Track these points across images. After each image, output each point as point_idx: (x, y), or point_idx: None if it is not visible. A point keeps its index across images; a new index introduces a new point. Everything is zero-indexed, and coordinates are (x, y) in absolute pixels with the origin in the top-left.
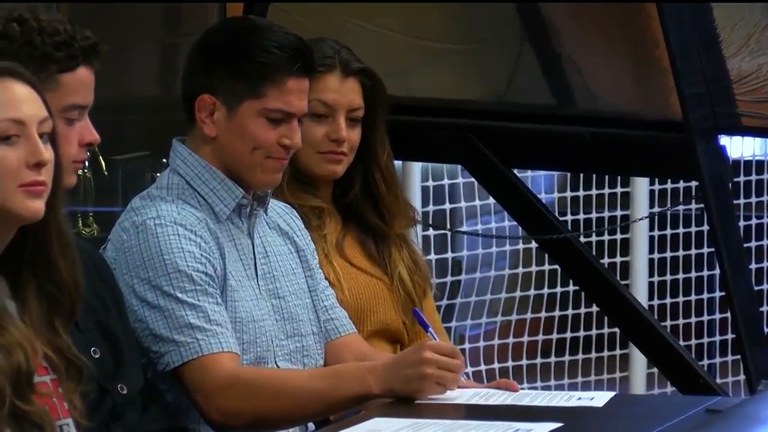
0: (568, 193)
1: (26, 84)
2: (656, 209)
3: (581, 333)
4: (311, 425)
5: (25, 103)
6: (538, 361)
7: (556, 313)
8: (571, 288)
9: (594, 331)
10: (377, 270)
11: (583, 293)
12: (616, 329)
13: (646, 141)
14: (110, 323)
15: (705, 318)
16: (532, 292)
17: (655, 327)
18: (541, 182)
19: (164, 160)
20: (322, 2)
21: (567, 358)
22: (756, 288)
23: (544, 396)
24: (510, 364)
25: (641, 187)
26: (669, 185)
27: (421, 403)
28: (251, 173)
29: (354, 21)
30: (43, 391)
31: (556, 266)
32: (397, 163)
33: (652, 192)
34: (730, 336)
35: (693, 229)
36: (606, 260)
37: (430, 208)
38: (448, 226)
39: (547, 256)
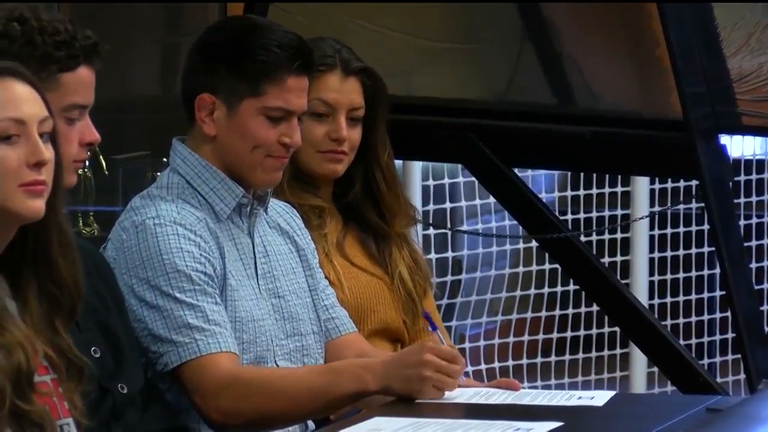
0: (569, 193)
1: (27, 83)
2: (656, 208)
3: (581, 332)
4: (311, 424)
5: (25, 102)
6: (539, 360)
7: (557, 312)
8: (572, 287)
9: (594, 331)
10: (378, 269)
11: (583, 292)
12: (617, 328)
13: (646, 140)
14: (111, 323)
15: (705, 317)
16: (532, 291)
17: (655, 326)
18: (541, 181)
19: (165, 160)
20: (323, 2)
21: (567, 357)
22: (756, 287)
23: (544, 395)
24: (510, 363)
25: (641, 186)
26: (669, 184)
27: (422, 402)
28: (251, 172)
29: (354, 20)
30: (44, 391)
31: (557, 265)
32: (398, 162)
33: (652, 191)
34: (730, 335)
35: (693, 228)
36: (606, 259)
37: (431, 207)
38: (449, 226)
39: (547, 255)
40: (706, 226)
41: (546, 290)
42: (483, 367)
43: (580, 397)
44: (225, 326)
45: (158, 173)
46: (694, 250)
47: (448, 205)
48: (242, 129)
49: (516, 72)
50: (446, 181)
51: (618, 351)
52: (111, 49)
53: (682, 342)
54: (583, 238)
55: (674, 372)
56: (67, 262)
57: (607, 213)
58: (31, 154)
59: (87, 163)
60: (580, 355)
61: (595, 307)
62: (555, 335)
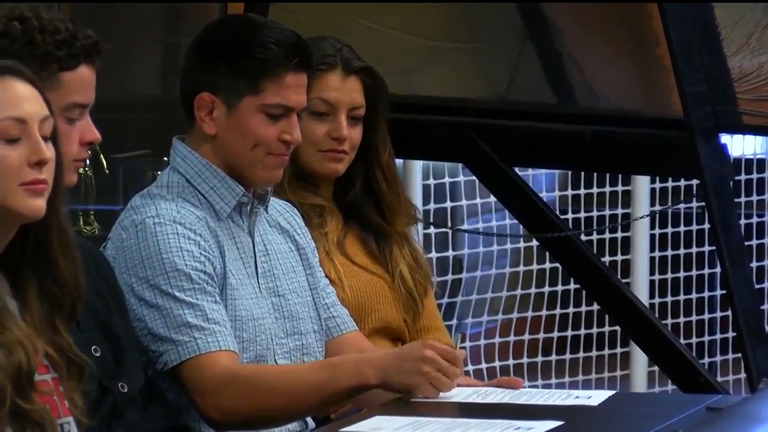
0: (569, 192)
1: (27, 82)
2: (657, 207)
3: (582, 331)
4: (311, 423)
5: (26, 101)
6: (539, 359)
7: (557, 311)
8: (572, 286)
9: (595, 330)
10: (378, 268)
11: (584, 291)
12: (617, 327)
13: (647, 139)
14: (111, 322)
15: (706, 316)
16: (533, 290)
17: (655, 325)
18: (542, 180)
19: (165, 159)
20: (324, 1)
21: (568, 356)
22: (756, 286)
23: (542, 394)
24: (511, 362)
25: (642, 185)
26: (670, 183)
27: (422, 401)
28: (252, 170)
29: (356, 20)
30: (44, 390)
31: (557, 264)
32: (398, 161)
33: (653, 190)
34: (730, 334)
35: (694, 227)
36: (607, 258)
37: (431, 206)
38: (449, 225)
39: (548, 254)
40: (706, 225)
41: (546, 289)
42: (483, 366)
43: (577, 397)
44: (224, 325)
45: (159, 172)
46: (694, 249)
47: (448, 204)
48: (242, 127)
49: (517, 71)
50: (447, 180)
51: (618, 350)
52: (111, 48)
53: (682, 341)
54: (583, 237)
55: (675, 371)
56: (68, 261)
57: (607, 212)
58: (32, 153)
59: (88, 162)
60: (581, 354)
61: (595, 306)
62: (555, 334)
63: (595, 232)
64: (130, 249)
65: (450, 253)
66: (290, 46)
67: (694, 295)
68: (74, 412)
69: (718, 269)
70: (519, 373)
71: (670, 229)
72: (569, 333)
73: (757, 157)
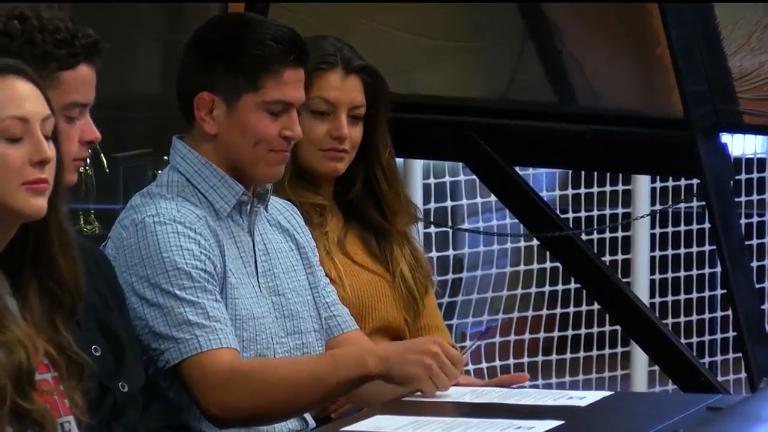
0: (570, 191)
1: (29, 81)
2: (657, 207)
3: (582, 331)
4: (311, 423)
5: (28, 100)
6: (540, 358)
7: (558, 310)
8: (573, 286)
9: (595, 329)
10: (379, 267)
11: (584, 291)
12: (618, 327)
13: (647, 139)
14: (111, 321)
15: (706, 316)
16: (533, 289)
17: (656, 325)
18: (542, 180)
19: (166, 158)
20: (325, 1)
21: (568, 355)
22: (757, 286)
23: (535, 394)
24: (511, 361)
25: (642, 184)
26: (670, 183)
27: (423, 401)
28: (254, 167)
29: (356, 19)
30: (44, 389)
31: (558, 264)
32: (399, 160)
33: (653, 189)
34: (731, 334)
35: (694, 226)
36: (607, 258)
37: (432, 205)
38: (450, 224)
39: (548, 253)
40: (706, 225)
41: (547, 289)
42: (484, 365)
43: (570, 397)
44: (225, 323)
45: (159, 171)
46: (695, 249)
47: (449, 203)
48: (243, 125)
49: (517, 70)
50: (447, 179)
51: (619, 349)
52: (112, 47)
53: (683, 340)
54: (584, 237)
55: (675, 370)
56: (68, 260)
57: (608, 211)
58: (34, 153)
59: (88, 161)
60: (581, 354)
61: (596, 306)
62: (556, 334)
63: (595, 232)
64: (130, 248)
65: (450, 252)
66: (287, 42)
67: (694, 295)
68: (74, 411)
69: (718, 269)
70: (520, 373)
71: (670, 229)
72: (570, 332)
73: (758, 156)
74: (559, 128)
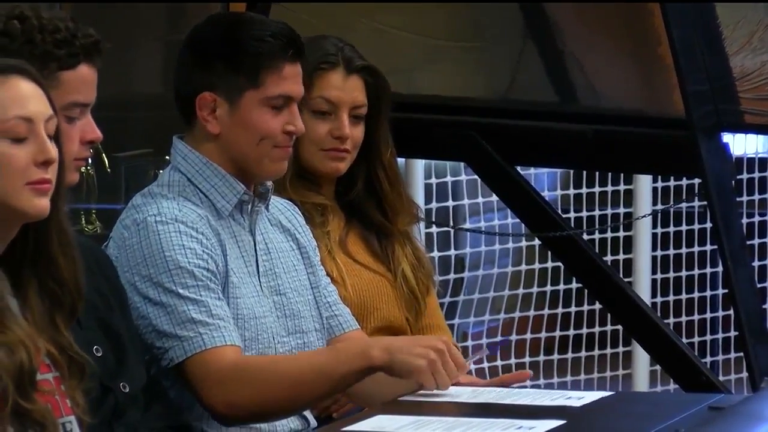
0: (571, 191)
1: (32, 81)
2: (659, 206)
3: (584, 330)
4: (313, 422)
5: (31, 100)
6: (541, 358)
7: (559, 310)
8: (574, 285)
9: (597, 329)
10: (380, 267)
11: (585, 290)
12: (619, 326)
13: (648, 138)
14: (112, 321)
15: (708, 315)
16: (534, 289)
17: (657, 324)
18: (544, 179)
19: (167, 158)
20: (326, 1)
21: (570, 355)
22: (758, 285)
23: (532, 395)
24: (513, 361)
25: (644, 184)
26: (672, 182)
27: (424, 400)
28: (259, 164)
29: (358, 19)
30: (46, 389)
31: (559, 263)
32: (400, 160)
33: (655, 189)
34: (732, 333)
35: (696, 226)
36: (609, 257)
37: (433, 205)
38: (451, 224)
39: (549, 253)
40: (708, 225)
41: (548, 288)
42: (485, 365)
43: (569, 397)
44: (228, 320)
45: (161, 171)
46: (696, 249)
47: (450, 203)
48: (246, 122)
49: (518, 70)
50: (449, 179)
51: (620, 349)
52: (113, 47)
53: (684, 340)
54: (585, 237)
55: (677, 370)
56: (68, 260)
57: (609, 211)
58: (39, 153)
59: (90, 160)
60: (583, 354)
61: (597, 306)
62: (557, 333)
63: (597, 232)
64: (132, 248)
65: (452, 252)
66: (285, 37)
67: (695, 295)
68: (76, 411)
69: (719, 268)
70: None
71: (671, 228)
72: (571, 332)
73: (759, 156)
74: (561, 128)
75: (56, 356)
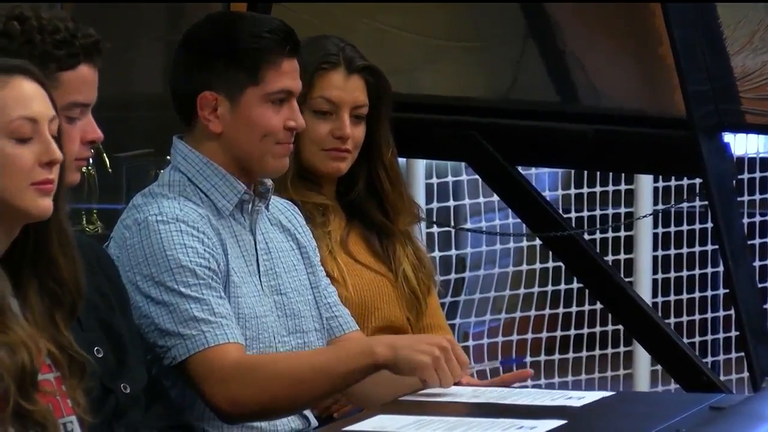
0: (572, 191)
1: (35, 82)
2: (660, 206)
3: (585, 330)
4: (314, 421)
5: (35, 101)
6: (542, 358)
7: (560, 310)
8: (575, 285)
9: (598, 329)
10: (382, 266)
11: (586, 290)
12: (620, 326)
13: (649, 138)
14: (114, 321)
15: (709, 315)
16: (535, 289)
17: (658, 324)
18: (545, 179)
19: (168, 158)
20: (327, 1)
21: (571, 355)
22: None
23: (531, 395)
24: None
25: (645, 184)
26: (673, 182)
27: (425, 400)
28: (262, 161)
29: (359, 19)
30: (47, 390)
31: (560, 263)
32: (401, 160)
33: (656, 189)
34: (733, 333)
35: (697, 226)
36: (610, 257)
37: (434, 205)
38: (452, 224)
39: (551, 253)
40: (709, 224)
41: (549, 288)
42: (486, 365)
43: (570, 397)
44: (230, 318)
45: (162, 171)
46: (697, 248)
47: (451, 203)
48: (248, 119)
49: (519, 70)
50: (450, 179)
51: (621, 349)
52: (114, 47)
53: (685, 340)
54: (586, 236)
55: (678, 370)
56: (67, 260)
57: (610, 211)
58: (44, 153)
59: (91, 160)
60: (584, 353)
61: (598, 305)
62: (558, 333)
63: (598, 231)
64: (133, 247)
65: (453, 252)
66: (282, 33)
67: (696, 294)
68: (77, 411)
69: (720, 268)
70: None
71: (672, 228)
72: (572, 332)
73: (760, 155)
74: (562, 128)
75: (57, 356)
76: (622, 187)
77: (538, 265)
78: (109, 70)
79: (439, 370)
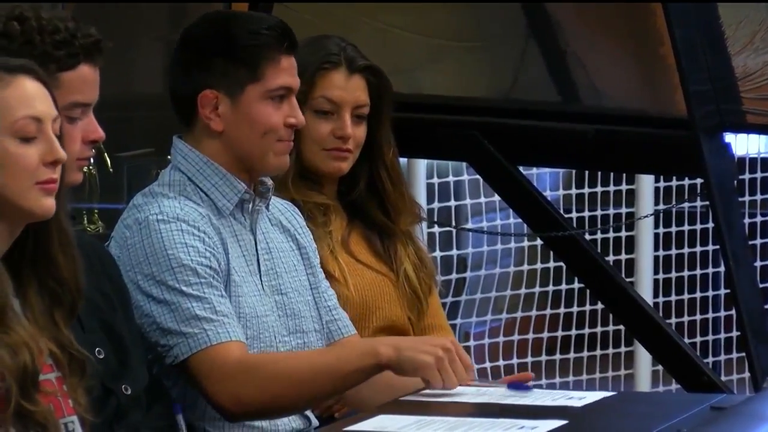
0: (573, 191)
1: (38, 81)
2: (661, 206)
3: (586, 330)
4: (315, 421)
5: (38, 100)
6: (543, 358)
7: (561, 310)
8: (576, 285)
9: (599, 329)
10: (383, 266)
11: (588, 290)
12: (621, 326)
13: (651, 138)
14: (115, 322)
15: (710, 315)
16: (537, 289)
17: (660, 324)
18: (546, 179)
19: (169, 157)
20: (329, 1)
21: (572, 355)
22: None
23: (533, 395)
24: (515, 361)
25: (646, 184)
26: (674, 182)
27: (426, 400)
28: (263, 159)
29: (360, 18)
30: (48, 390)
31: (561, 263)
32: (403, 160)
33: (657, 189)
34: (734, 333)
35: (698, 226)
36: (611, 257)
37: (436, 205)
38: (453, 223)
39: (552, 253)
40: (710, 225)
41: (550, 288)
42: (488, 365)
43: (570, 397)
44: (232, 317)
45: (163, 170)
46: (698, 249)
47: (452, 203)
48: (249, 117)
49: (520, 70)
50: (451, 179)
51: (623, 349)
52: (115, 46)
53: (686, 340)
54: (587, 236)
55: (679, 370)
56: (67, 259)
57: (611, 211)
58: (48, 153)
59: (92, 160)
60: (585, 353)
61: (599, 305)
62: (559, 333)
63: (599, 231)
64: (134, 247)
65: (454, 252)
66: (280, 30)
67: (698, 294)
68: (78, 410)
69: (721, 268)
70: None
71: (674, 228)
72: (573, 332)
73: (761, 156)
74: (563, 128)
75: (58, 354)
76: (623, 187)
77: (539, 265)
78: (110, 69)
79: (442, 371)
